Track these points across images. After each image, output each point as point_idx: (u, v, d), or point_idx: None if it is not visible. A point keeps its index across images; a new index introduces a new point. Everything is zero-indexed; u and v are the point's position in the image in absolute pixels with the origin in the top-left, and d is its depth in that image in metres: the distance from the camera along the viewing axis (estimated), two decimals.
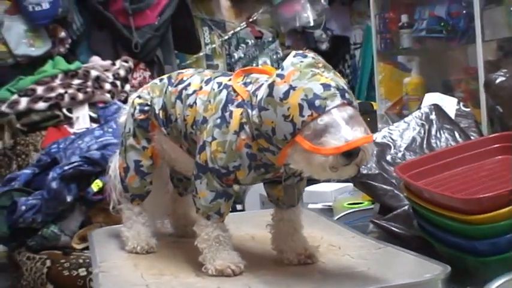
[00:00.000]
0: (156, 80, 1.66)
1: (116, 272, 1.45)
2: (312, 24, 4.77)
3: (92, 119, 3.30)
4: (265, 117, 1.27)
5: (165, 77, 1.64)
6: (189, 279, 1.37)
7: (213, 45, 4.77)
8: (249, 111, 1.32)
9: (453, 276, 1.30)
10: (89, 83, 3.44)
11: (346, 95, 1.24)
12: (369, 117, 2.57)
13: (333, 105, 1.21)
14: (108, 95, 3.43)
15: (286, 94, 1.24)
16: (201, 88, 1.48)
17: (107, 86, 3.46)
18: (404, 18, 3.52)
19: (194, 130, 1.46)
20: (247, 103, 1.34)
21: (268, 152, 1.31)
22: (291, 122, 1.23)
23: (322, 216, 1.95)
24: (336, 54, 4.91)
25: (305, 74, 1.24)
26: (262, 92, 1.30)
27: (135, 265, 1.50)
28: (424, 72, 3.41)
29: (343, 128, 1.21)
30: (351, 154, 1.19)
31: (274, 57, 4.77)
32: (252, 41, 4.77)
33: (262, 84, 1.33)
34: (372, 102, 3.05)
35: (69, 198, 2.66)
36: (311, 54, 1.29)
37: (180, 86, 1.54)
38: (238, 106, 1.36)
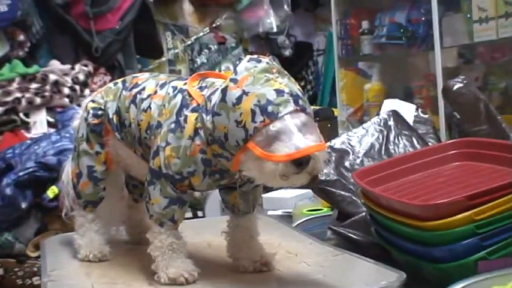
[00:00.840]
0: (111, 84, 1.63)
1: (67, 281, 1.41)
2: (275, 30, 4.76)
3: (50, 124, 3.24)
4: (218, 123, 1.24)
5: (119, 81, 1.61)
6: None
7: (176, 50, 4.74)
8: (204, 116, 1.29)
9: (409, 283, 1.30)
10: (47, 87, 3.37)
11: (300, 101, 1.22)
12: (330, 124, 2.55)
13: (285, 112, 1.19)
14: (66, 100, 3.37)
15: (239, 99, 1.22)
16: (155, 92, 1.46)
17: (66, 91, 3.40)
18: (365, 24, 3.51)
19: (148, 135, 1.43)
20: (202, 108, 1.31)
21: (222, 158, 1.29)
22: (243, 128, 1.21)
23: (281, 223, 1.93)
24: (299, 60, 4.91)
25: (258, 80, 1.22)
26: (216, 97, 1.27)
27: (87, 274, 1.46)
28: (385, 79, 3.42)
29: (295, 136, 1.19)
30: (301, 162, 1.17)
31: (237, 62, 4.74)
32: (215, 47, 4.75)
33: (217, 88, 1.30)
34: (333, 109, 3.04)
35: (24, 205, 2.60)
36: (265, 59, 1.27)
37: (135, 90, 1.50)
38: (193, 111, 1.34)
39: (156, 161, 1.35)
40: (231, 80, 1.25)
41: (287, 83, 1.23)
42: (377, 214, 1.45)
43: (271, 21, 4.73)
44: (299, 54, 4.90)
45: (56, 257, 1.63)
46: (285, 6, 4.72)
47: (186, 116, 1.34)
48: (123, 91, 1.54)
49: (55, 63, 3.72)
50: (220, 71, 4.65)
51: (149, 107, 1.43)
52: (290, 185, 1.23)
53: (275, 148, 1.18)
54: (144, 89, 1.49)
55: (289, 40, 4.87)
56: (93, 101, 1.60)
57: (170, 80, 1.47)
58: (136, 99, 1.48)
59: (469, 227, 1.24)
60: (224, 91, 1.24)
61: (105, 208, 1.69)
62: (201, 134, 1.31)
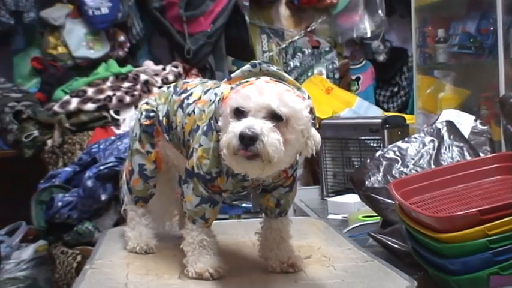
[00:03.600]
0: (164, 88, 1.74)
1: (105, 270, 1.51)
2: (368, 35, 4.75)
3: None
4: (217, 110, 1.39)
5: (172, 85, 1.71)
6: (170, 281, 1.43)
7: (271, 53, 4.81)
8: None
9: None
10: (138, 87, 3.55)
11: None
12: (400, 131, 2.55)
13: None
14: None
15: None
16: (200, 98, 1.55)
17: (155, 90, 3.56)
18: (441, 32, 3.47)
19: (190, 138, 1.51)
20: None
21: None
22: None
23: (331, 228, 1.97)
24: (393, 65, 4.87)
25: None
26: None
27: (127, 264, 1.56)
28: (457, 88, 3.37)
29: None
30: (243, 137, 1.24)
31: (330, 66, 4.76)
32: (309, 50, 4.78)
33: None
34: (405, 115, 3.03)
35: (103, 197, 2.75)
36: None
37: (183, 95, 1.60)
38: None
39: (190, 162, 1.44)
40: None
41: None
42: (404, 223, 1.47)
43: (365, 26, 4.72)
44: (394, 60, 4.86)
45: (107, 247, 1.75)
46: (380, 12, 4.70)
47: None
48: (174, 95, 1.64)
49: (149, 64, 3.91)
50: (312, 74, 4.70)
51: (193, 111, 1.53)
52: (244, 170, 1.31)
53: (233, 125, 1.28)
54: (191, 94, 1.58)
55: (385, 45, 4.83)
56: (147, 103, 1.71)
57: (215, 87, 1.55)
58: (183, 104, 1.57)
59: (482, 241, 1.25)
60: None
61: (161, 203, 1.80)
62: None
